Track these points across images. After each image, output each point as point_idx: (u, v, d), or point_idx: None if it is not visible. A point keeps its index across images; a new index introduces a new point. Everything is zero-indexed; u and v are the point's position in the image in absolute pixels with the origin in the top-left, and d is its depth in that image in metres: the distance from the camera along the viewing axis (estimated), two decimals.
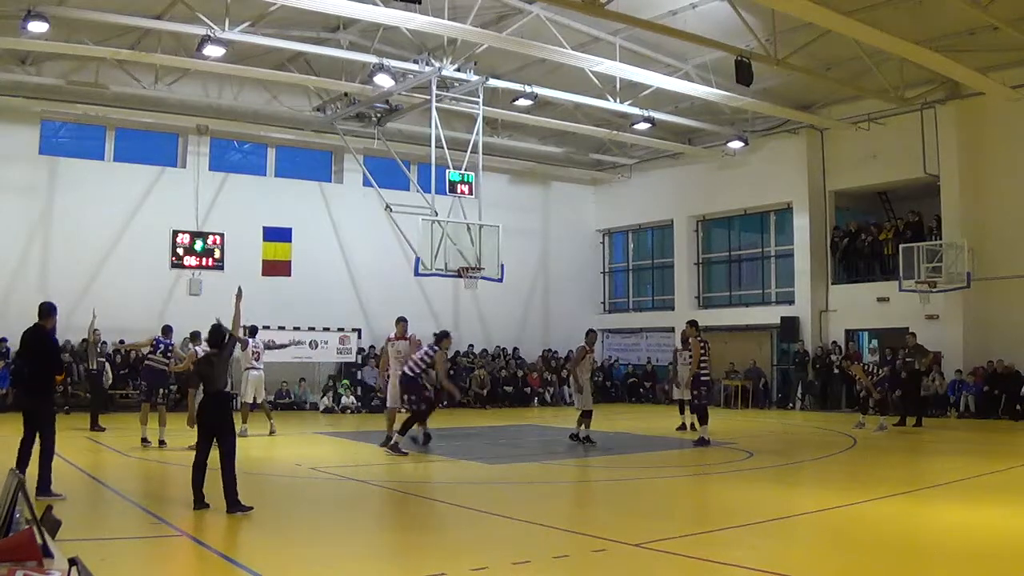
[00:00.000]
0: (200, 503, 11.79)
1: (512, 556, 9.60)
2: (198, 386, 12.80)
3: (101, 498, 12.80)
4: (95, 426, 23.19)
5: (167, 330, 21.27)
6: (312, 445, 21.93)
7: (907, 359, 26.73)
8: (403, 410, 19.76)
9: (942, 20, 24.72)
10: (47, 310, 13.36)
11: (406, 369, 19.41)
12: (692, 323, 22.28)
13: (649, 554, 9.68)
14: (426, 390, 19.68)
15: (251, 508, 11.67)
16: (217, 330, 12.84)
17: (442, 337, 19.88)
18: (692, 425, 24.83)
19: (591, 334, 21.80)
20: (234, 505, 11.62)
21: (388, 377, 20.76)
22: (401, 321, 21.10)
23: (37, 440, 12.62)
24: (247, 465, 16.65)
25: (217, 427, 12.11)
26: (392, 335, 20.98)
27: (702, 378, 21.40)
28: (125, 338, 29.03)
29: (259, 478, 15.58)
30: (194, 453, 12.13)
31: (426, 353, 19.53)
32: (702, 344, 21.37)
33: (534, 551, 10.03)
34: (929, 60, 24.57)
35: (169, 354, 20.88)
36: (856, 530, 11.25)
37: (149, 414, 20.28)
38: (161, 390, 20.83)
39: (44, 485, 12.36)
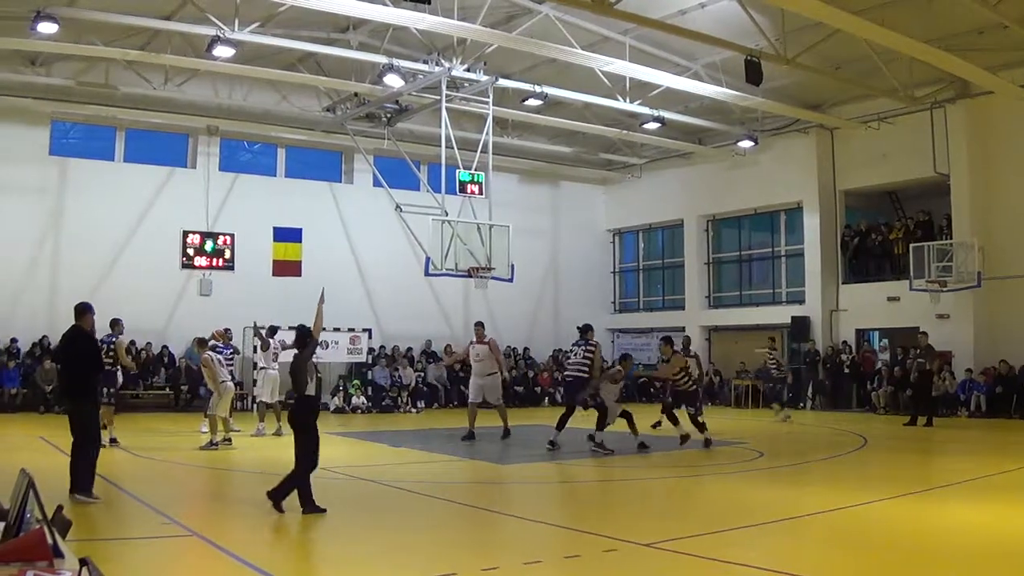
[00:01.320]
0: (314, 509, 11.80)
1: (523, 556, 9.62)
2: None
3: (111, 498, 12.77)
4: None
5: (115, 323, 19.40)
6: (323, 445, 21.87)
7: (919, 359, 26.68)
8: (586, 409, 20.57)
9: (951, 19, 24.66)
10: (83, 309, 13.30)
11: (572, 370, 20.57)
12: (666, 339, 22.22)
13: (660, 554, 9.68)
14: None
15: (325, 510, 11.79)
16: (299, 331, 12.84)
17: (587, 329, 20.69)
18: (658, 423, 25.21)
19: (627, 360, 21.74)
20: (308, 505, 11.77)
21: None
22: (478, 325, 22.98)
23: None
24: (260, 465, 16.71)
25: (295, 428, 12.37)
26: (473, 339, 22.83)
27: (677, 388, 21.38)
28: (136, 339, 29.16)
29: (271, 478, 15.57)
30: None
31: (585, 351, 20.27)
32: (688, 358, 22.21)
33: (545, 551, 10.05)
34: (938, 59, 24.53)
35: (112, 352, 18.99)
36: (867, 530, 11.24)
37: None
38: (106, 389, 19.12)
39: (84, 484, 12.34)
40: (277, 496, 11.76)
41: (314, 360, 12.80)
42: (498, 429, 22.49)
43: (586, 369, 19.97)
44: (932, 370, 26.73)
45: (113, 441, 19.22)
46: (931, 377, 26.83)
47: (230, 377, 21.19)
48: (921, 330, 27.77)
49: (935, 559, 9.71)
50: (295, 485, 11.87)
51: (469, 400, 22.86)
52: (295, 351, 12.57)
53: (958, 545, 10.39)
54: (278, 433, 22.15)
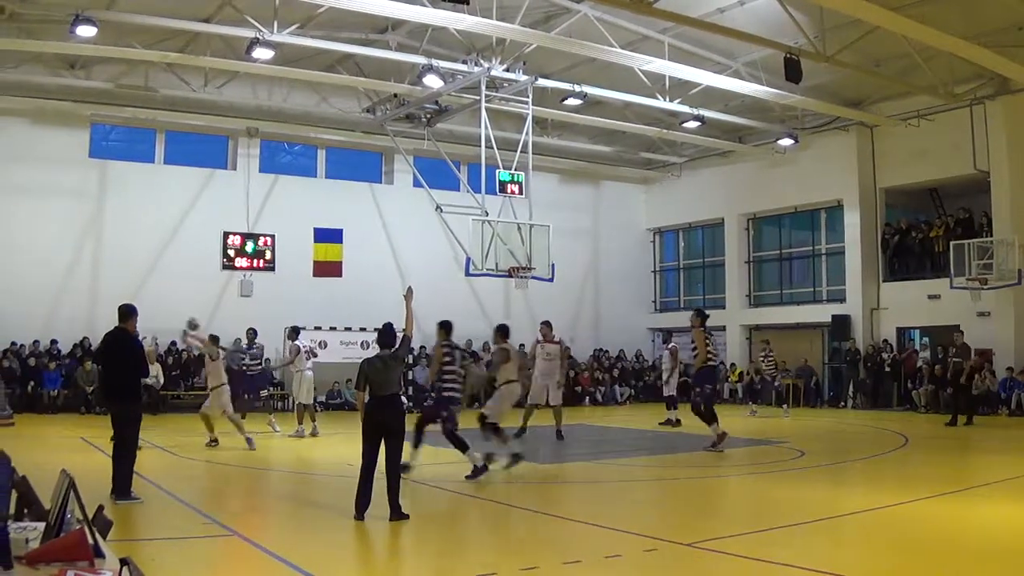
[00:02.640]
0: (362, 513, 11.41)
1: (563, 556, 9.61)
2: (364, 388, 11.99)
3: (152, 498, 12.83)
4: None
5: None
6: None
7: (954, 358, 26.54)
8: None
9: (990, 15, 24.52)
10: (127, 312, 13.30)
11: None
12: (698, 312, 20.36)
13: (701, 553, 9.65)
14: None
15: (408, 516, 11.45)
16: (388, 331, 12.46)
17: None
18: (677, 420, 25.03)
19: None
20: (396, 512, 11.38)
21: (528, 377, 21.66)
22: (546, 324, 22.55)
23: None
24: (298, 465, 16.75)
25: (387, 430, 11.76)
26: (539, 337, 22.38)
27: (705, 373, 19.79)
28: (176, 340, 29.34)
29: (309, 478, 15.65)
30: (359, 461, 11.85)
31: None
32: (707, 336, 19.81)
33: (585, 551, 10.02)
34: (978, 56, 24.35)
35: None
36: (907, 530, 11.17)
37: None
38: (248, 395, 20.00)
39: (122, 488, 12.38)
40: (395, 511, 11.43)
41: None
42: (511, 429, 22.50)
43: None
44: (966, 368, 26.50)
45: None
46: (968, 375, 26.59)
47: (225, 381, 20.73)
48: (959, 328, 27.61)
49: (975, 559, 9.62)
50: (393, 488, 11.55)
51: (529, 401, 22.06)
52: (385, 351, 12.30)
53: (998, 544, 10.28)
54: (314, 433, 22.23)
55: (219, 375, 20.40)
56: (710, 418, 19.29)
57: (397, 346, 12.38)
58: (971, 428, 24.98)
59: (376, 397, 11.87)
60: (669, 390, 26.63)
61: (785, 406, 31.02)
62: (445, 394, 15.66)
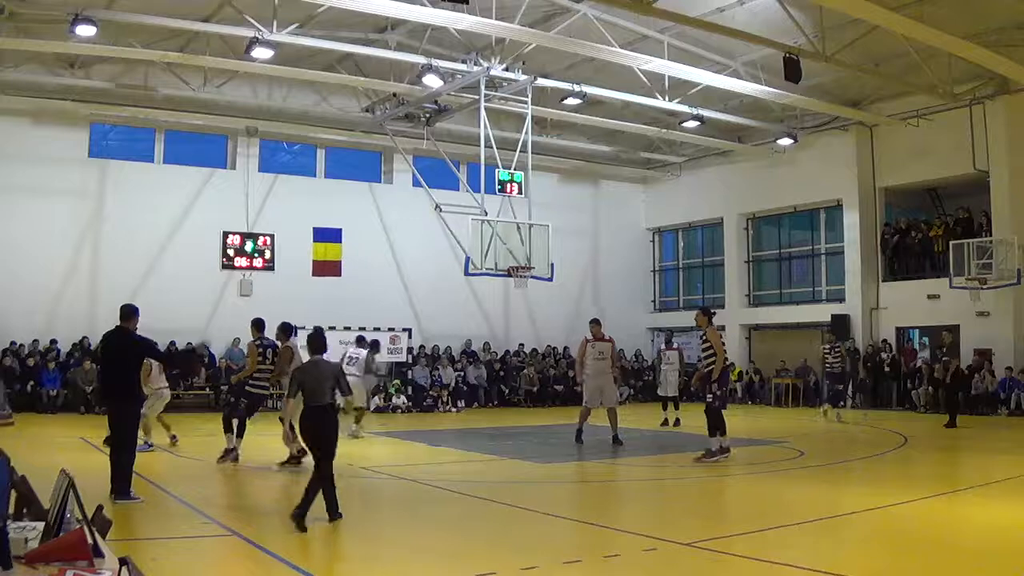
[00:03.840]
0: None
1: (562, 555, 9.63)
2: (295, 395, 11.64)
3: (151, 498, 12.83)
4: None
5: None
6: (363, 445, 21.99)
7: (943, 358, 26.62)
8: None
9: (990, 15, 24.57)
10: (129, 312, 13.30)
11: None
12: (704, 310, 18.89)
13: (700, 553, 9.66)
14: None
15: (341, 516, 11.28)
16: (319, 336, 12.47)
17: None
18: (677, 420, 24.92)
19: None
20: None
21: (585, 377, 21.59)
22: (596, 322, 21.94)
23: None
24: (300, 465, 16.71)
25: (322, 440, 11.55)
26: (589, 335, 21.70)
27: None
28: (176, 340, 29.36)
29: (308, 478, 15.62)
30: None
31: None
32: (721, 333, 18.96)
33: (584, 550, 10.05)
34: (977, 55, 24.34)
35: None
36: (907, 529, 11.19)
37: None
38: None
39: (122, 488, 12.40)
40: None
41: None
42: (511, 429, 22.51)
43: None
44: (951, 368, 26.46)
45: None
46: (953, 374, 26.53)
47: (166, 384, 20.15)
48: (949, 329, 27.63)
49: (974, 558, 9.64)
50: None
51: (586, 404, 21.59)
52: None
53: (997, 544, 10.30)
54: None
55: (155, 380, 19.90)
56: (721, 426, 17.79)
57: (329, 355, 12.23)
58: (958, 429, 24.73)
59: (310, 407, 11.54)
60: (671, 390, 26.56)
61: (841, 404, 29.08)
62: (247, 387, 17.35)
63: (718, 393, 17.81)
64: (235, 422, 17.40)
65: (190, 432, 21.37)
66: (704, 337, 18.15)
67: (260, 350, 17.39)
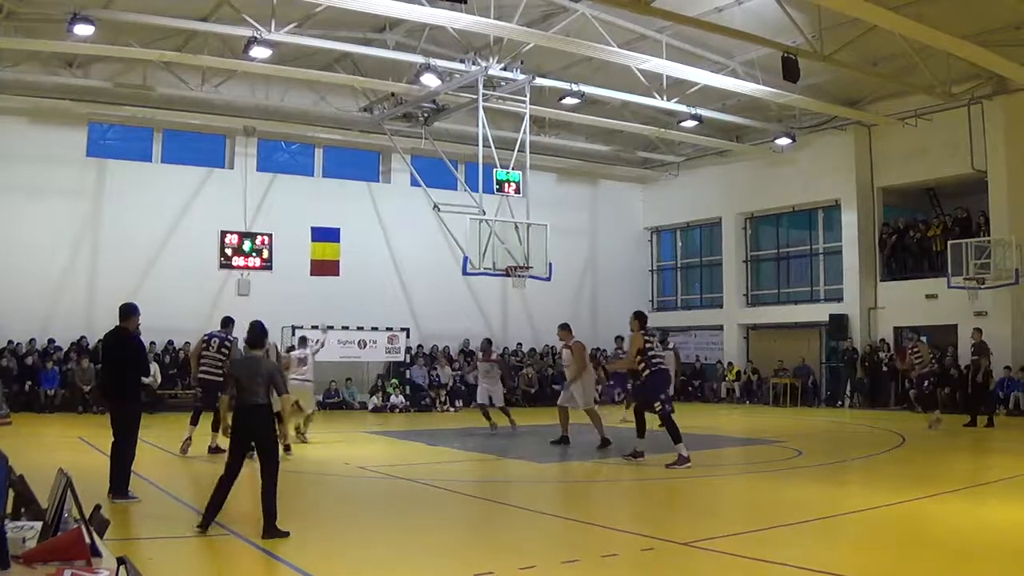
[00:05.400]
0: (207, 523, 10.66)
1: (561, 555, 9.62)
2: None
3: (149, 497, 12.81)
4: None
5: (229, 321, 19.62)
6: (361, 444, 21.98)
7: (972, 357, 26.56)
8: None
9: (988, 15, 24.54)
10: (128, 311, 13.17)
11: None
12: (637, 314, 18.74)
13: (698, 553, 9.66)
14: None
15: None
16: (259, 329, 11.42)
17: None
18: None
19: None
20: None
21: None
22: (560, 327, 22.33)
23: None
24: (297, 464, 16.72)
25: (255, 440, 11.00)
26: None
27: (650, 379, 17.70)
28: (174, 339, 29.37)
29: (307, 477, 15.62)
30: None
31: None
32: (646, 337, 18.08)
33: (582, 550, 10.02)
34: (975, 55, 24.34)
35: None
36: (906, 529, 11.19)
37: None
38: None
39: (119, 487, 12.37)
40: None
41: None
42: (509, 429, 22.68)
43: None
44: (982, 367, 26.30)
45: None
46: (985, 372, 26.36)
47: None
48: (958, 329, 27.55)
49: (974, 558, 9.63)
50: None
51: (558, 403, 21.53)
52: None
53: (996, 544, 10.29)
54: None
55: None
56: (677, 434, 17.03)
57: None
58: (958, 429, 24.56)
59: (241, 405, 10.73)
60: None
61: (937, 412, 25.77)
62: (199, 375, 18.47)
63: (663, 397, 17.58)
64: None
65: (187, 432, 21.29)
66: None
67: (205, 340, 18.80)
